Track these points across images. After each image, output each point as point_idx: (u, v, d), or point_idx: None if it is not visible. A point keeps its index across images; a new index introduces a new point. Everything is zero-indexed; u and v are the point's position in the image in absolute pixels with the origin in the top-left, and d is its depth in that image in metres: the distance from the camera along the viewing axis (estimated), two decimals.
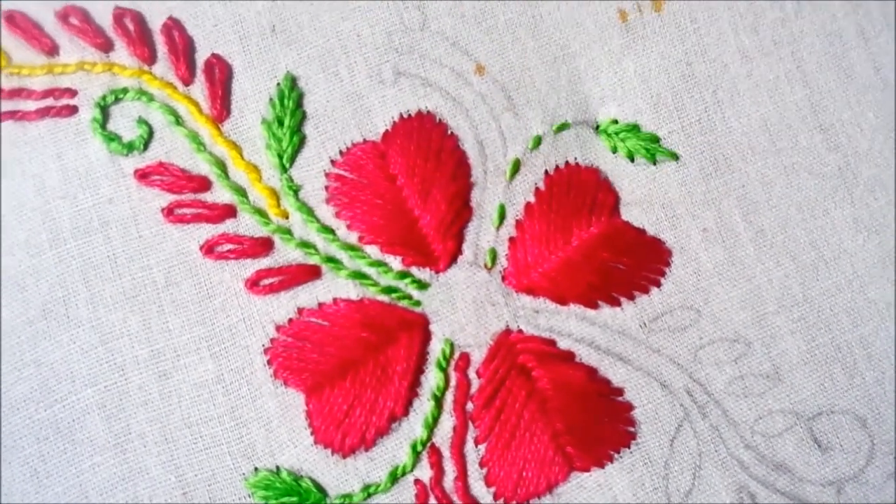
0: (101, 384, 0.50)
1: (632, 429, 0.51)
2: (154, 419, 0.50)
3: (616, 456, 0.51)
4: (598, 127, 0.53)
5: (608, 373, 0.52)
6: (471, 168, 0.52)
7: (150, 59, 0.52)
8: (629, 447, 0.51)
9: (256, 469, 0.50)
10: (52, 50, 0.52)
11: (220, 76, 0.52)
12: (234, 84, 0.53)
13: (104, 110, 0.52)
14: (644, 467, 0.51)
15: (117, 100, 0.52)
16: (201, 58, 0.53)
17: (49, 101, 0.52)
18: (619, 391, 0.51)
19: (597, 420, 0.51)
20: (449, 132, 0.53)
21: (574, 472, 0.51)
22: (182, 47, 0.52)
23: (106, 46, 0.52)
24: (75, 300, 0.51)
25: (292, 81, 0.52)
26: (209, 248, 0.51)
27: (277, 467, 0.50)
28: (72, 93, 0.52)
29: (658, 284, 0.52)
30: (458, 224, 0.52)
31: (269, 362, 0.51)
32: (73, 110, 0.52)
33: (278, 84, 0.52)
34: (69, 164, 0.51)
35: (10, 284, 0.50)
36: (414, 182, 0.52)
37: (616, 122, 0.53)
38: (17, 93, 0.52)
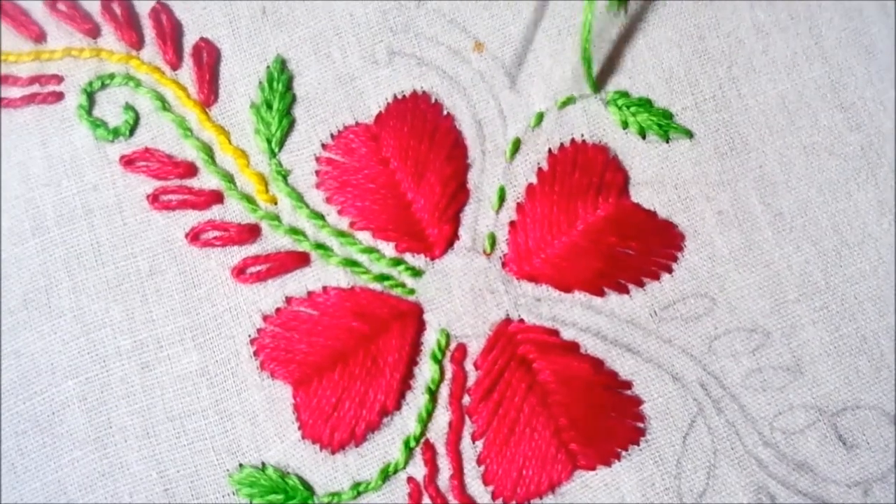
0: (82, 376, 0.52)
1: (641, 424, 0.51)
2: (136, 412, 0.51)
3: (624, 453, 0.51)
4: (607, 100, 0.54)
5: (615, 365, 0.52)
6: (468, 149, 0.54)
7: (138, 44, 0.55)
8: (638, 444, 0.51)
9: (241, 465, 0.51)
10: (40, 36, 0.55)
11: (209, 60, 0.54)
12: (223, 68, 0.55)
13: (90, 96, 0.54)
14: (654, 466, 0.51)
15: (104, 85, 0.54)
16: (189, 42, 0.55)
17: (35, 88, 0.54)
18: (628, 384, 0.52)
19: (603, 415, 0.51)
20: (445, 112, 0.54)
21: (578, 470, 0.51)
22: (170, 32, 0.55)
23: (93, 32, 0.55)
24: (57, 289, 0.52)
25: (282, 64, 0.54)
26: (195, 236, 0.53)
27: (263, 463, 0.51)
28: (58, 79, 0.54)
29: (670, 270, 0.53)
30: (453, 207, 0.53)
31: (255, 353, 0.52)
32: (59, 97, 0.54)
33: (268, 67, 0.54)
34: (54, 152, 0.54)
35: None
36: (407, 165, 0.53)
37: (627, 95, 0.54)
38: (3, 79, 0.54)
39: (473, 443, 0.51)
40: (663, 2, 0.55)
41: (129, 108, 0.54)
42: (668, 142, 0.54)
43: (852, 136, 0.54)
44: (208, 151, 0.54)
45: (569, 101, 0.54)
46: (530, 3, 0.55)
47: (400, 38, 0.55)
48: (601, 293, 0.52)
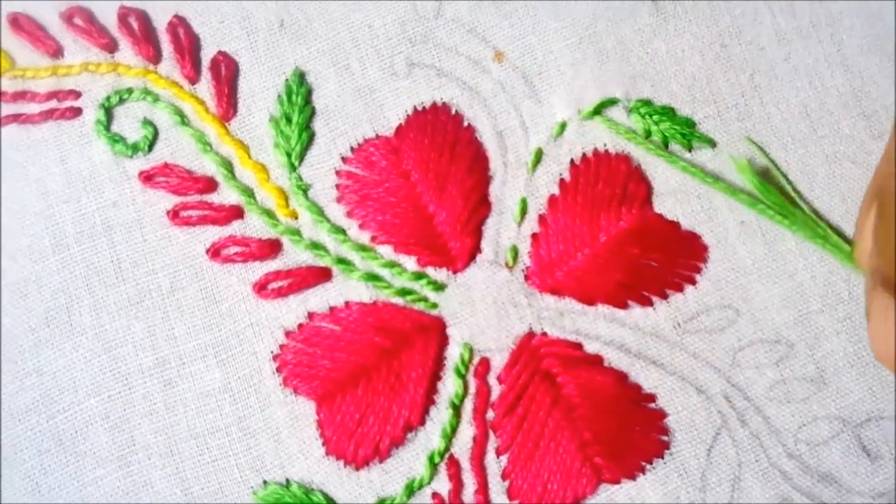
0: (104, 394, 0.52)
1: (665, 437, 0.52)
2: (159, 430, 0.52)
3: (649, 467, 0.52)
4: (629, 108, 0.55)
5: (639, 378, 0.53)
6: (489, 160, 0.54)
7: (156, 58, 0.55)
8: (663, 457, 0.52)
9: (265, 482, 0.52)
10: (57, 51, 0.55)
11: (227, 74, 0.55)
12: (242, 81, 0.55)
13: (108, 111, 0.55)
14: (679, 479, 0.52)
15: (122, 100, 0.55)
16: (207, 56, 0.55)
17: (53, 104, 0.55)
18: (652, 397, 0.53)
19: (627, 428, 0.52)
20: (465, 124, 0.54)
21: (603, 484, 0.52)
22: (187, 45, 0.55)
23: (111, 46, 0.55)
24: (78, 307, 0.53)
25: (301, 77, 0.55)
26: (216, 251, 0.54)
27: (287, 480, 0.52)
28: (76, 94, 0.55)
29: (693, 282, 0.53)
30: (475, 220, 0.54)
31: (278, 370, 0.53)
32: (77, 112, 0.55)
33: (286, 80, 0.55)
34: (73, 168, 0.54)
35: (12, 291, 0.53)
36: (428, 177, 0.54)
37: (650, 103, 0.55)
38: (20, 95, 0.55)
39: (498, 457, 0.52)
40: (684, 9, 0.55)
41: (147, 122, 0.55)
42: (690, 151, 0.54)
43: (874, 144, 0.54)
44: (228, 166, 0.54)
45: (597, 108, 0.54)
46: (550, 10, 0.55)
47: (419, 48, 0.55)
48: (624, 306, 0.53)
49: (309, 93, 0.55)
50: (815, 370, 0.53)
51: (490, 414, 0.52)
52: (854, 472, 0.52)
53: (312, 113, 0.55)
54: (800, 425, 0.52)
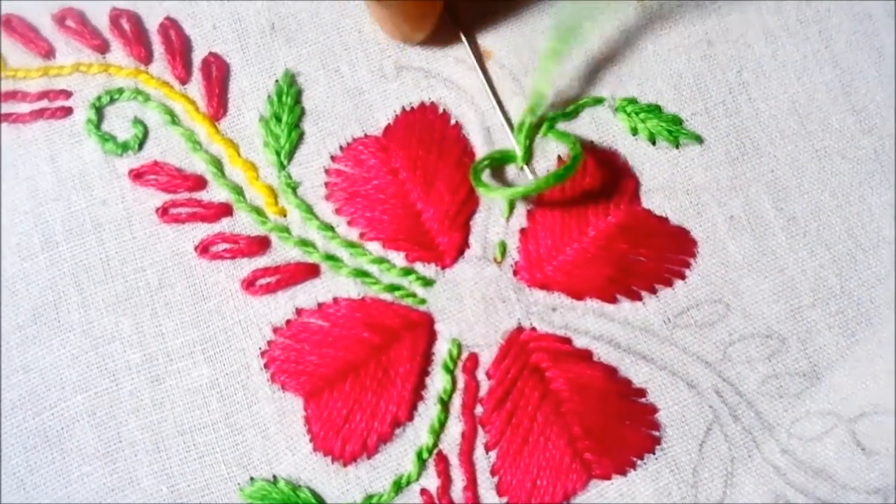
0: (91, 390, 0.52)
1: (656, 433, 0.52)
2: (146, 426, 0.52)
3: (639, 462, 0.52)
4: (615, 107, 0.55)
5: (629, 372, 0.52)
6: (476, 156, 0.55)
7: (147, 58, 0.56)
8: (654, 453, 0.52)
9: (252, 478, 0.52)
10: (49, 52, 0.56)
11: (218, 74, 0.56)
12: (232, 82, 0.56)
13: (99, 111, 0.55)
14: (671, 474, 0.52)
15: (112, 100, 0.55)
16: (198, 57, 0.56)
17: (44, 103, 0.56)
18: (642, 392, 0.52)
19: (617, 423, 0.52)
20: (453, 122, 0.55)
21: (593, 479, 0.51)
22: (178, 46, 0.56)
23: (102, 47, 0.56)
24: (67, 304, 0.53)
25: (291, 78, 0.56)
26: (204, 248, 0.54)
27: (274, 476, 0.52)
28: (67, 94, 0.56)
29: (682, 277, 0.53)
30: (463, 215, 0.54)
31: (265, 366, 0.53)
32: (67, 112, 0.56)
33: (277, 81, 0.56)
34: (63, 166, 0.55)
35: (0, 288, 0.54)
36: (416, 174, 0.54)
37: (635, 101, 0.55)
38: (11, 95, 0.56)
39: (487, 453, 0.52)
40: (670, 8, 0.56)
41: (137, 122, 0.55)
42: (678, 147, 0.55)
43: (865, 139, 0.55)
44: (217, 165, 0.55)
45: (578, 108, 0.55)
46: (536, 11, 0.56)
47: (407, 52, 0.56)
48: (614, 300, 0.53)
49: (299, 94, 0.55)
50: (808, 365, 0.52)
51: (479, 409, 0.52)
52: (849, 467, 0.51)
53: (302, 113, 0.55)
54: (793, 420, 0.52)
